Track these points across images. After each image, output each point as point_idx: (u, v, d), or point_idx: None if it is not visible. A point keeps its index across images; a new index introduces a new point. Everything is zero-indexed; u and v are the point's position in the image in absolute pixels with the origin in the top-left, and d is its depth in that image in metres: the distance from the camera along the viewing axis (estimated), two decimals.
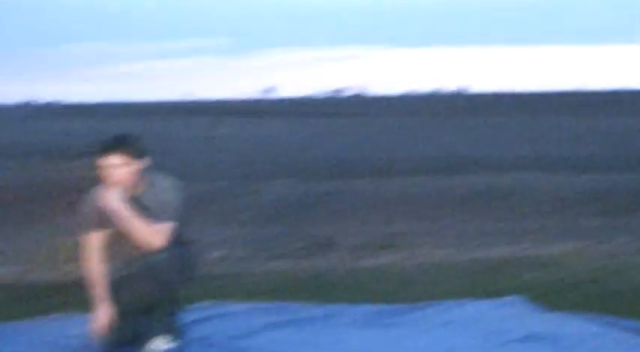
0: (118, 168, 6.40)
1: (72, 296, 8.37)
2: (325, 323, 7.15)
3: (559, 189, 18.44)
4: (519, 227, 13.65)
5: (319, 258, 11.40)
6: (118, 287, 6.61)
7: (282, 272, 10.38)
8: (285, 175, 22.62)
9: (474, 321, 7.07)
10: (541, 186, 19.07)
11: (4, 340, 6.76)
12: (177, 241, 6.47)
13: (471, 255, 11.35)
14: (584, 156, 26.96)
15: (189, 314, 7.00)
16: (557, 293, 8.33)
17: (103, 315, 6.58)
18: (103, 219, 6.56)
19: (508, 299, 7.75)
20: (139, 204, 6.46)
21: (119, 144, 6.48)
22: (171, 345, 6.49)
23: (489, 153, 28.62)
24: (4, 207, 17.25)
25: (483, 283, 9.19)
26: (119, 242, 6.52)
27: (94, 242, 6.66)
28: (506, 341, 6.48)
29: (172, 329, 6.55)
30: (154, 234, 6.34)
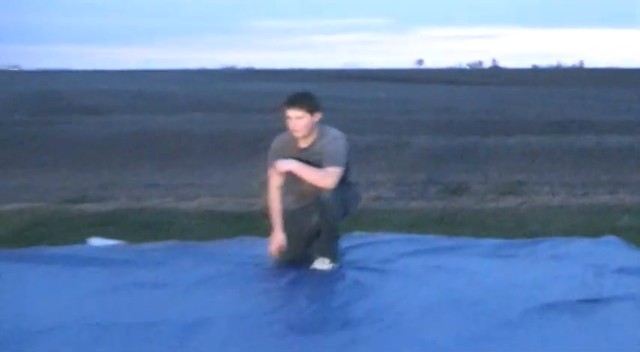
0: (298, 119, 6.56)
1: (253, 223, 8.64)
2: (453, 252, 7.18)
3: None
4: (619, 179, 13.34)
5: (452, 200, 11.25)
6: (292, 217, 6.80)
7: (420, 210, 10.33)
8: (429, 132, 22.42)
9: (576, 256, 7.03)
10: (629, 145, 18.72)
11: (201, 257, 6.92)
12: (342, 182, 6.57)
13: (577, 201, 11.15)
14: None
15: (347, 241, 7.10)
16: None
17: (277, 240, 6.78)
18: None
19: (605, 238, 7.68)
20: (313, 150, 6.64)
21: (300, 100, 6.63)
22: (330, 266, 6.63)
23: (598, 117, 28.13)
24: (205, 151, 17.52)
25: (585, 224, 9.05)
26: (295, 182, 6.64)
27: (275, 181, 6.83)
28: (602, 273, 6.41)
29: (332, 254, 6.68)
30: (323, 178, 6.47)
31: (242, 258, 6.90)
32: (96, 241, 7.73)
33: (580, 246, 7.44)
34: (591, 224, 9.09)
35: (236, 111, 32.65)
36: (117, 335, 4.89)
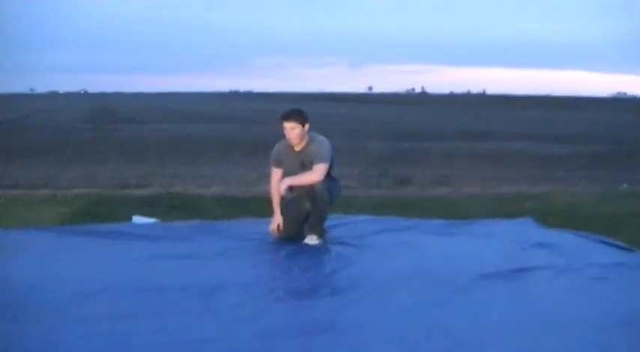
0: (292, 129, 6.14)
1: (250, 205, 8.36)
2: (409, 231, 6.73)
3: (548, 152, 17.86)
4: (517, 174, 13.12)
5: (400, 190, 10.95)
6: (288, 204, 6.32)
7: (378, 196, 10.02)
8: (379, 138, 22.27)
9: (501, 233, 6.58)
10: (536, 150, 18.44)
11: (217, 233, 6.43)
12: (327, 176, 6.18)
13: (491, 190, 10.85)
14: None
15: (328, 222, 6.55)
16: (547, 217, 7.73)
17: (276, 221, 6.34)
18: (281, 162, 6.35)
19: (521, 219, 7.23)
20: (305, 152, 6.21)
21: (293, 114, 6.20)
22: (318, 242, 6.15)
23: (497, 129, 28.25)
24: (218, 152, 17.01)
25: (500, 209, 8.72)
26: (292, 175, 6.21)
27: (275, 175, 6.38)
28: (524, 247, 6.00)
29: (320, 232, 6.21)
30: (312, 176, 6.07)
31: (249, 234, 6.40)
32: (137, 219, 7.24)
33: (503, 225, 6.99)
34: (504, 208, 8.78)
35: (240, 123, 32.32)
36: (152, 298, 4.41)
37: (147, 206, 8.54)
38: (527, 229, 6.80)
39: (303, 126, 6.16)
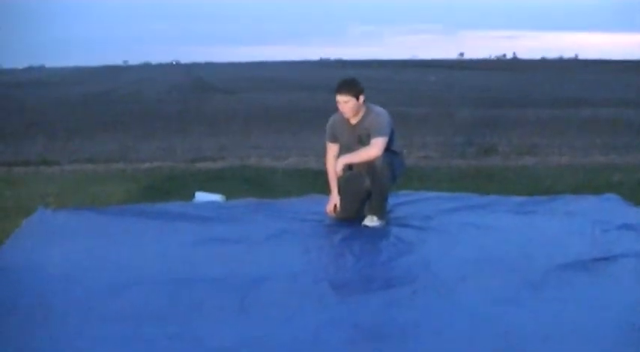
0: (345, 103, 5.54)
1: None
2: (483, 210, 6.00)
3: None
4: (609, 143, 12.28)
5: (484, 160, 10.27)
6: (347, 181, 5.75)
7: (459, 167, 9.41)
8: (468, 105, 21.36)
9: (585, 212, 5.83)
10: (631, 117, 17.22)
11: (271, 214, 5.91)
12: (387, 150, 5.54)
13: (579, 161, 10.10)
14: None
15: (394, 199, 5.98)
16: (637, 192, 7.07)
17: (333, 201, 5.81)
18: (337, 137, 5.82)
19: (606, 196, 6.44)
20: (362, 125, 5.61)
21: (346, 86, 5.59)
22: (378, 223, 5.56)
23: (591, 95, 27.00)
24: (305, 121, 16.34)
25: (587, 181, 8.10)
26: (349, 151, 5.66)
27: (331, 151, 5.87)
28: (608, 229, 5.27)
29: (381, 212, 5.59)
30: (370, 151, 5.48)
31: (305, 215, 5.84)
32: (200, 195, 6.84)
33: (587, 203, 6.20)
34: (591, 180, 8.13)
35: (327, 91, 31.83)
36: (185, 292, 3.95)
37: (218, 180, 8.29)
38: (612, 207, 6.04)
39: (358, 98, 5.55)
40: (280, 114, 18.61)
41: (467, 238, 5.13)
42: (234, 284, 4.02)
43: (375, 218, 5.56)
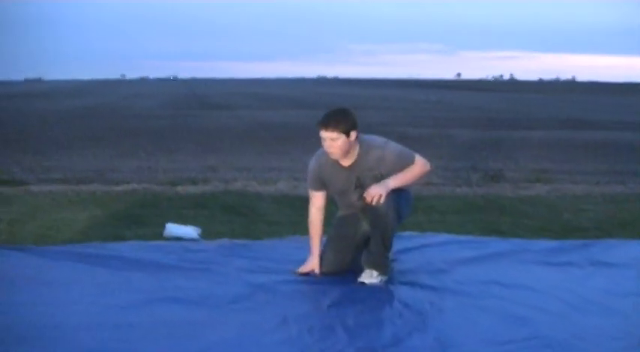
0: (332, 140, 4.25)
1: None
2: (508, 259, 4.81)
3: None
4: (623, 169, 11.32)
5: (491, 187, 9.28)
6: (341, 223, 4.55)
7: (466, 196, 8.42)
8: (467, 126, 20.65)
9: (633, 263, 4.69)
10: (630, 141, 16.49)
11: (244, 260, 4.78)
12: (394, 190, 4.30)
13: (598, 189, 9.10)
14: None
15: (396, 244, 4.55)
16: None
17: (311, 265, 4.54)
18: (326, 183, 4.53)
19: None
20: (361, 167, 4.36)
21: (334, 120, 4.27)
22: (378, 279, 4.31)
23: (589, 117, 26.20)
24: (300, 140, 15.32)
25: (612, 214, 7.13)
26: (343, 195, 4.50)
27: (317, 201, 4.55)
28: None
29: (382, 266, 4.34)
30: (421, 167, 4.42)
31: (287, 264, 4.63)
32: (171, 227, 5.85)
33: (630, 248, 5.06)
34: (616, 214, 7.15)
35: (324, 109, 31.09)
36: None
37: (197, 207, 7.32)
38: None
39: (348, 135, 4.28)
40: (274, 132, 17.79)
41: (494, 304, 3.91)
42: None
43: (374, 273, 4.33)
